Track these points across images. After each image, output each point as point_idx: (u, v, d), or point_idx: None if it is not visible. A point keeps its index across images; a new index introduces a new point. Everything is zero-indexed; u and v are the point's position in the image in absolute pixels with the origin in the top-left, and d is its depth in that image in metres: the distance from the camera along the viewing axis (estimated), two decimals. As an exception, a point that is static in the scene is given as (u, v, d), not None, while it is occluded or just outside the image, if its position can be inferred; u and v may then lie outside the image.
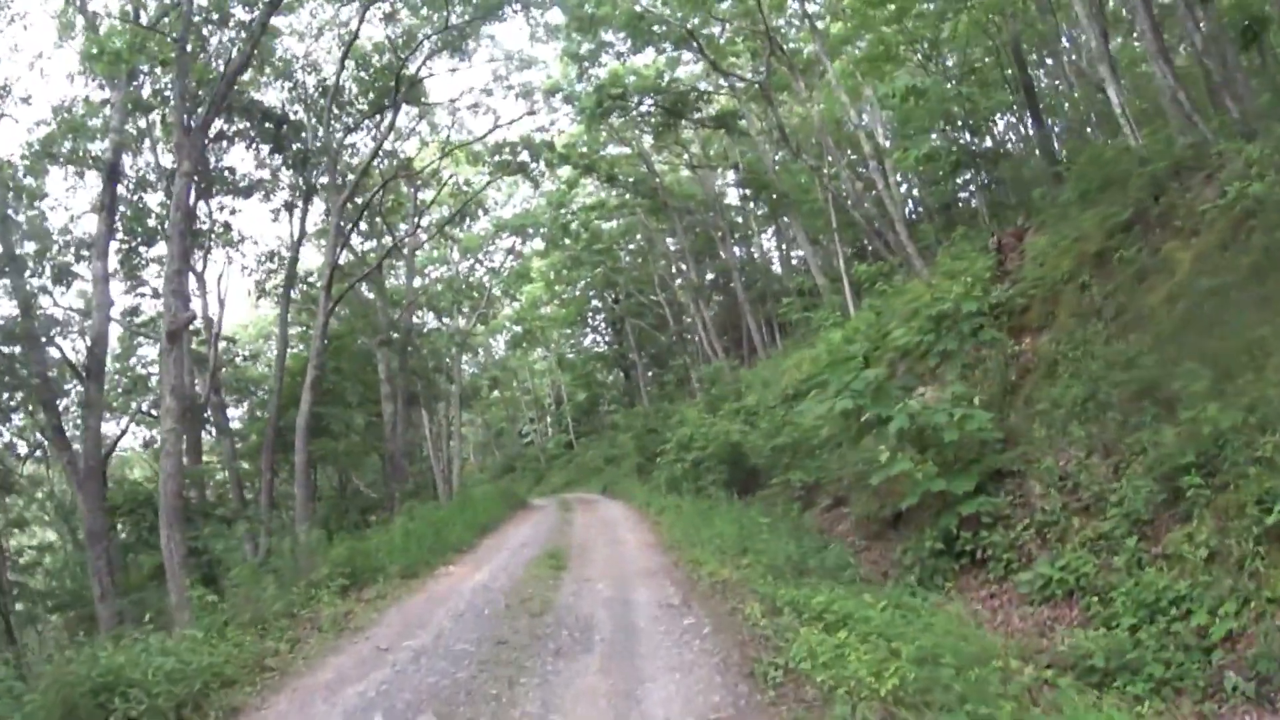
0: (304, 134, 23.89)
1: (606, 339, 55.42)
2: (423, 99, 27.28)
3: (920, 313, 11.43)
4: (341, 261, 28.88)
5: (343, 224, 21.88)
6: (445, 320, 40.58)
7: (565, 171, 37.16)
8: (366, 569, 12.30)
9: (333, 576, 11.51)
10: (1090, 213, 13.63)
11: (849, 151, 32.42)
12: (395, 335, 26.01)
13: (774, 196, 29.72)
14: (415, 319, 43.14)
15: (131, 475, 31.91)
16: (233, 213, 26.01)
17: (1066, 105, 26.97)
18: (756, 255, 47.39)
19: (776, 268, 47.23)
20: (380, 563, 12.72)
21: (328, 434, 23.62)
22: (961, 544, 9.01)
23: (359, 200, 24.11)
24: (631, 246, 47.33)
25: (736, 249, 42.84)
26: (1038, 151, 23.82)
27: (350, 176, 23.63)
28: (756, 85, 27.26)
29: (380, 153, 25.43)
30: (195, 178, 17.18)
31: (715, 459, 17.86)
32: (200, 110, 16.60)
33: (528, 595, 9.93)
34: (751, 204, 40.66)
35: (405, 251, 29.11)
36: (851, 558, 10.49)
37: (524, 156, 30.88)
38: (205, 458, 29.17)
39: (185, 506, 17.63)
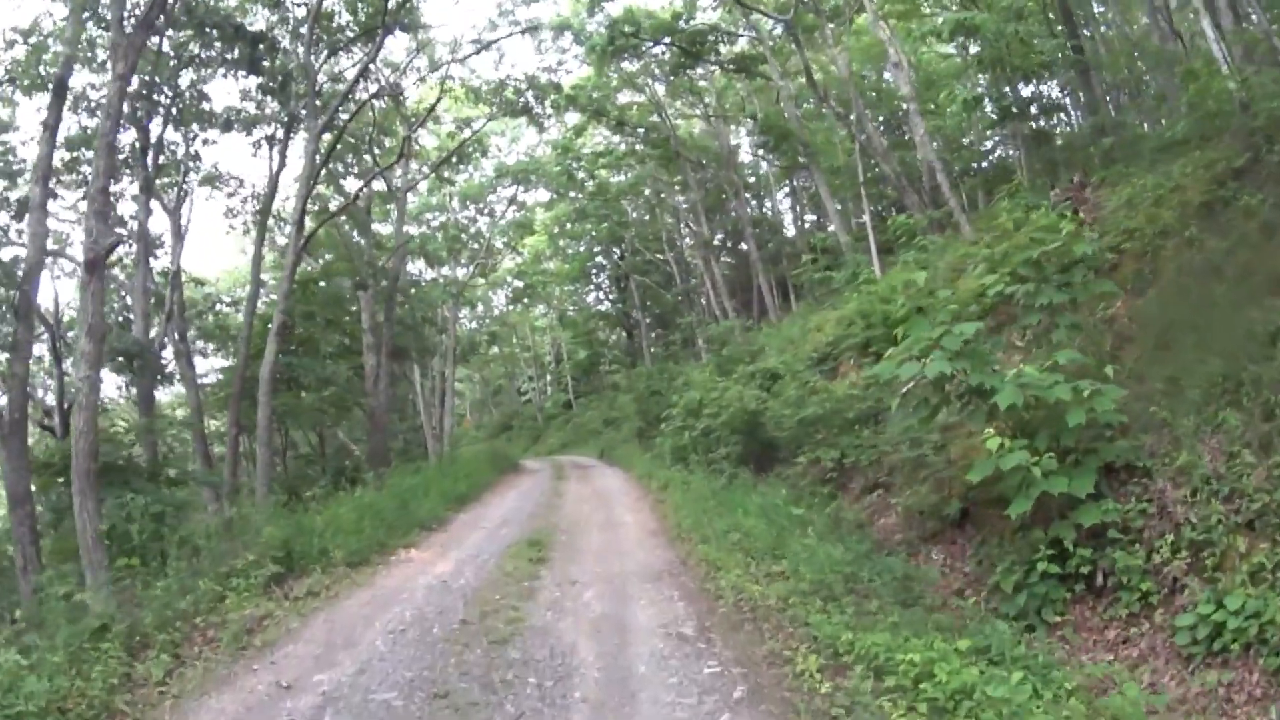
0: (283, 56, 21.12)
1: (610, 296, 52.76)
2: (419, 25, 24.41)
3: (1009, 258, 8.87)
4: (332, 207, 26.40)
5: (320, 152, 19.22)
6: (443, 271, 37.93)
7: (573, 118, 34.38)
8: (306, 553, 9.92)
9: (260, 564, 9.15)
10: (1183, 161, 11.33)
11: (876, 102, 29.63)
12: (380, 282, 23.39)
13: (796, 147, 26.92)
14: (410, 269, 40.82)
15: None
16: (205, 142, 23.36)
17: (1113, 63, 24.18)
18: (769, 214, 44.54)
19: (789, 230, 44.53)
20: (325, 544, 10.34)
21: (299, 386, 21.16)
22: (1076, 564, 6.58)
23: (343, 129, 21.38)
24: (640, 201, 44.55)
25: (749, 208, 40.10)
26: (1086, 107, 21.14)
27: (334, 104, 20.89)
28: (782, 26, 24.48)
29: (369, 79, 22.72)
30: (131, 84, 14.48)
31: (728, 429, 15.42)
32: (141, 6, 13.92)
33: (494, 605, 7.54)
34: (768, 158, 37.76)
35: (397, 194, 26.42)
36: (911, 566, 8.09)
37: (529, 97, 28.12)
38: (180, 413, 26.99)
39: (124, 467, 15.33)
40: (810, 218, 42.10)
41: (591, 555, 9.71)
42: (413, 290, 34.21)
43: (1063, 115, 22.18)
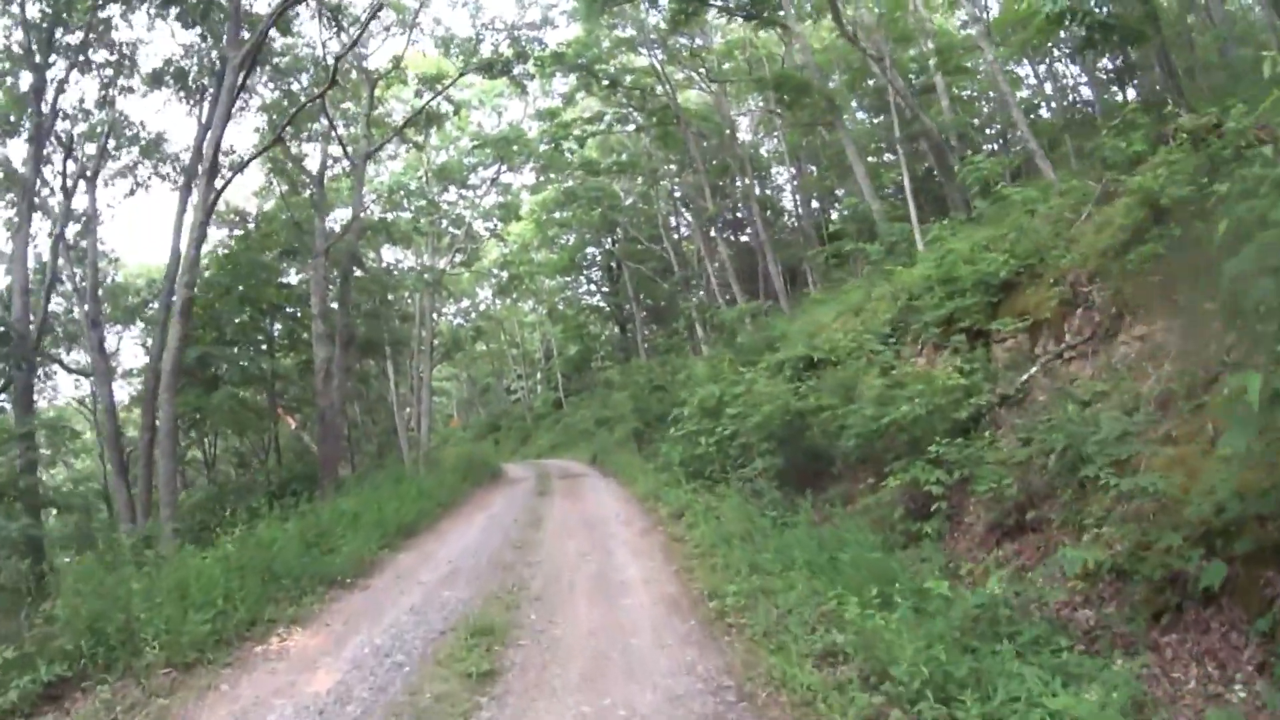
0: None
1: (602, 288, 48.54)
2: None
3: None
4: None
5: (240, 87, 14.98)
6: (423, 259, 33.54)
7: (561, 87, 30.26)
8: (123, 640, 5.86)
9: (28, 664, 5.13)
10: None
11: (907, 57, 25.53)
12: (325, 261, 19.10)
13: (817, 103, 22.81)
14: (387, 258, 36.50)
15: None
16: (123, 90, 19.16)
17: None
18: (771, 195, 40.44)
19: (794, 214, 40.46)
20: (152, 626, 6.24)
21: (225, 383, 16.82)
22: None
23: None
24: (633, 185, 40.37)
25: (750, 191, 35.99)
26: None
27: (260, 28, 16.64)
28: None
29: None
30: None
31: (761, 433, 11.30)
32: None
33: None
34: (775, 131, 33.68)
35: (354, 160, 22.11)
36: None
37: (507, 54, 23.99)
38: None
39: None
40: (815, 204, 37.96)
41: (576, 665, 5.51)
42: (386, 275, 29.95)
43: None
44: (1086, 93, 23.57)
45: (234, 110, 15.70)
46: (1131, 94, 19.35)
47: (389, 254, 36.50)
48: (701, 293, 35.61)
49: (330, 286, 20.61)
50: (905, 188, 20.91)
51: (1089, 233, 9.48)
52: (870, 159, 27.08)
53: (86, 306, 18.85)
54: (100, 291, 20.03)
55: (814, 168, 35.48)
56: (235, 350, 16.66)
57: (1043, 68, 24.71)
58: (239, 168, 15.81)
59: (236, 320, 17.26)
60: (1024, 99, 23.48)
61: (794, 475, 10.86)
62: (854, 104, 25.62)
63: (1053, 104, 23.63)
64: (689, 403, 14.18)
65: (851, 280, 22.26)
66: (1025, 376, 8.95)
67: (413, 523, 11.79)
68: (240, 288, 17.46)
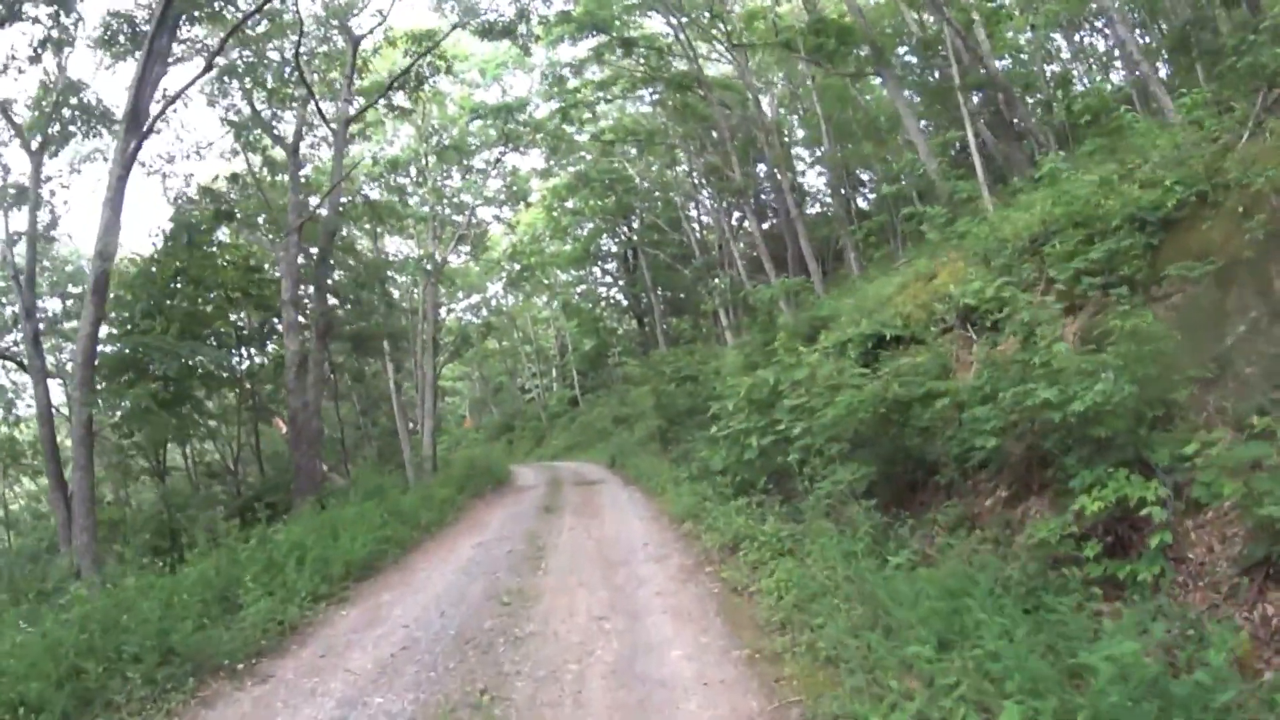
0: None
1: (619, 280, 45.44)
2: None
3: None
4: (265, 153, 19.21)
5: (168, 20, 11.95)
6: (422, 249, 30.45)
7: (568, 54, 27.17)
8: None
9: None
10: None
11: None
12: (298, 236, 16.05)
13: (859, 52, 19.64)
14: (390, 252, 33.50)
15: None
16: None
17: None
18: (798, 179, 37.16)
19: (817, 198, 37.21)
20: None
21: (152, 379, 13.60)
22: None
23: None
24: (651, 168, 37.24)
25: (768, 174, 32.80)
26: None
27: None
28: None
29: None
30: None
31: (833, 432, 8.17)
32: None
33: None
34: (798, 108, 30.48)
35: (332, 125, 19.12)
36: None
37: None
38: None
39: None
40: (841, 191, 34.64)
41: None
42: (380, 263, 26.97)
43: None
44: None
45: (172, 50, 12.76)
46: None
47: (391, 245, 33.78)
48: (728, 278, 32.44)
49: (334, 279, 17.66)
50: (969, 142, 17.68)
51: (1263, 152, 6.58)
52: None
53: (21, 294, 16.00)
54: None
55: (840, 150, 32.20)
56: (197, 343, 13.62)
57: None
58: (166, 103, 12.68)
59: (183, 304, 14.18)
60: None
61: (887, 490, 7.80)
62: (901, 53, 22.28)
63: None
64: (730, 395, 11.06)
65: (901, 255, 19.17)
66: (1230, 339, 5.95)
67: (374, 558, 8.74)
68: (178, 263, 14.42)
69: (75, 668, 4.97)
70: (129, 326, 14.13)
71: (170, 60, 12.79)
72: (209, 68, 13.41)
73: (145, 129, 11.55)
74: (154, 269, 14.52)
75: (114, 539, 15.10)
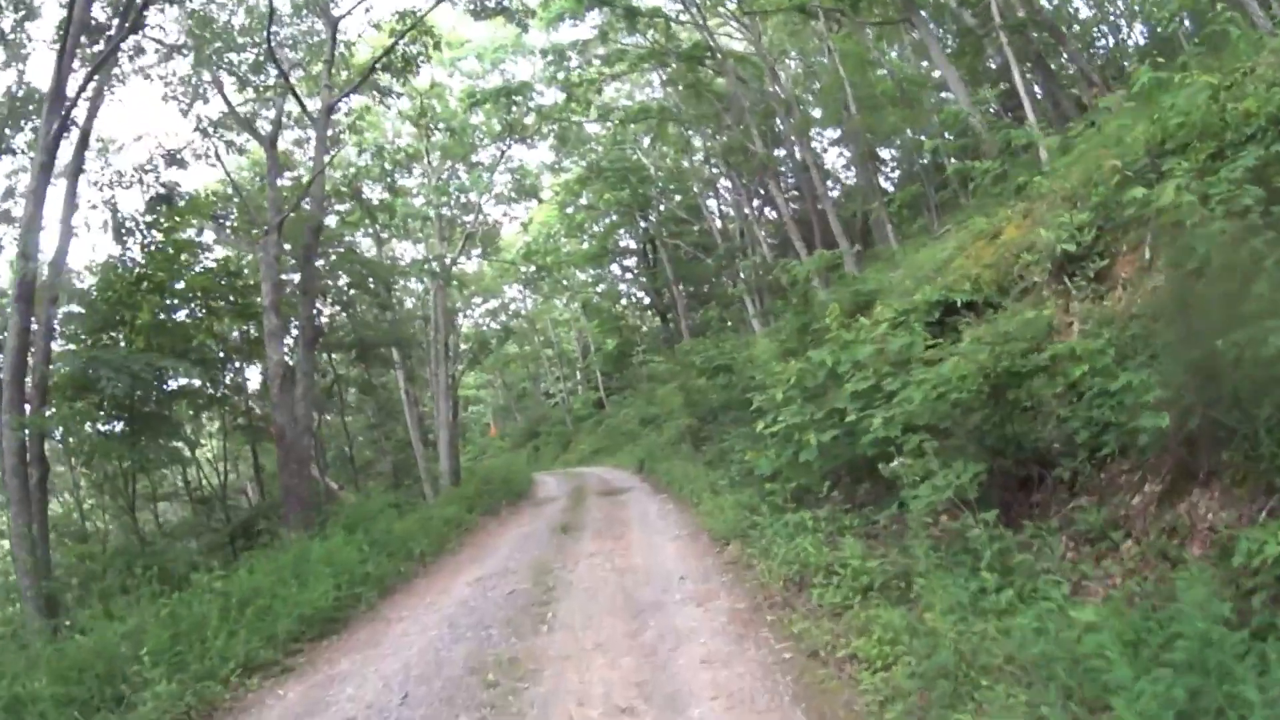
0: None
1: (640, 276, 43.50)
2: None
3: None
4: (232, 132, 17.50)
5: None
6: (430, 251, 28.65)
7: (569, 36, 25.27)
8: None
9: None
10: None
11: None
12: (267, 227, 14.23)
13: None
14: (398, 255, 31.79)
15: None
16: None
17: None
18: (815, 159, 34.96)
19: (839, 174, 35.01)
20: None
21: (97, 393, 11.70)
22: None
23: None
24: (664, 164, 35.28)
25: (793, 153, 30.67)
26: None
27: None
28: None
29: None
30: None
31: (912, 422, 6.16)
32: None
33: None
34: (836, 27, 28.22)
35: (312, 115, 17.41)
36: None
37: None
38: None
39: None
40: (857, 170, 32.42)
41: None
42: (381, 266, 25.16)
43: None
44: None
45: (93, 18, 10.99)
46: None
47: (400, 250, 32.06)
48: (751, 261, 30.39)
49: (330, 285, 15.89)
50: (1016, 85, 15.56)
51: None
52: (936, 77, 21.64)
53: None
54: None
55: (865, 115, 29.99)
56: (155, 354, 11.87)
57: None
58: (88, 76, 10.82)
59: (150, 315, 12.41)
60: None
61: (994, 492, 5.82)
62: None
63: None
64: (775, 385, 9.08)
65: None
66: None
67: (342, 606, 6.88)
68: (136, 267, 12.70)
69: None
70: (83, 339, 12.48)
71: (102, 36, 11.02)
72: (134, 28, 11.58)
73: (68, 107, 9.80)
74: (113, 275, 12.80)
75: (97, 577, 13.47)
